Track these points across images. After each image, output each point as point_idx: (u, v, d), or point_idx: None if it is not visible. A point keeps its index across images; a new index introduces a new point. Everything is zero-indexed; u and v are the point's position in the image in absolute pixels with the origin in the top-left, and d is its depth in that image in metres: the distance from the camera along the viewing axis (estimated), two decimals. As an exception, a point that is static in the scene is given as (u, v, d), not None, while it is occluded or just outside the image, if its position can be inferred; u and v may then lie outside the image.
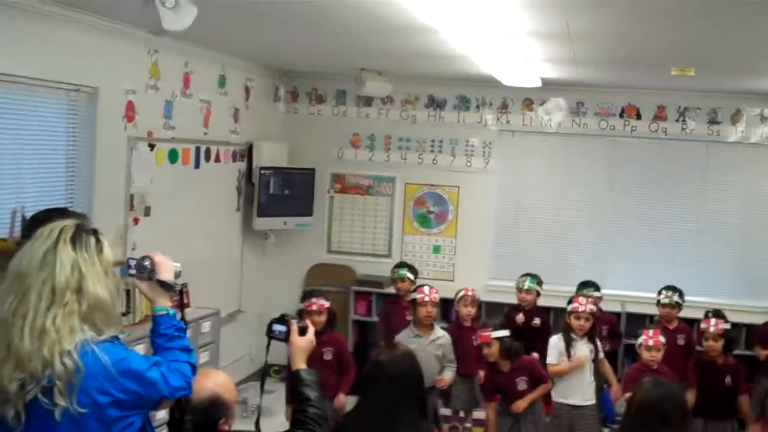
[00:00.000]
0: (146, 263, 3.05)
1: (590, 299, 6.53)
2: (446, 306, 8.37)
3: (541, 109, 9.17)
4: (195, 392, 3.04)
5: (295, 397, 3.10)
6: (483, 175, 9.31)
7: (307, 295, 6.20)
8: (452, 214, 9.45)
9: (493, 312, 7.99)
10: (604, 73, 7.72)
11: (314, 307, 6.07)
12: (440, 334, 6.41)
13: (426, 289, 6.50)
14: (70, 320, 2.71)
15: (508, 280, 8.76)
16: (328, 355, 6.11)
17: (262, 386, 3.52)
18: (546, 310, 7.86)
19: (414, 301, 6.45)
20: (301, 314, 5.96)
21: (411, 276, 7.72)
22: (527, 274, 7.86)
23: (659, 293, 7.51)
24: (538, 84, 8.26)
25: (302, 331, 3.27)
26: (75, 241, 2.82)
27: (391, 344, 4.16)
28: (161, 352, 2.97)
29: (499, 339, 6.01)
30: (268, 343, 3.27)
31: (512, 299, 8.04)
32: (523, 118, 9.25)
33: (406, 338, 6.23)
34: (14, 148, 5.52)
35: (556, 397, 6.31)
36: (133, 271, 3.06)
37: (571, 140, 9.17)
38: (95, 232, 2.89)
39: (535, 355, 6.63)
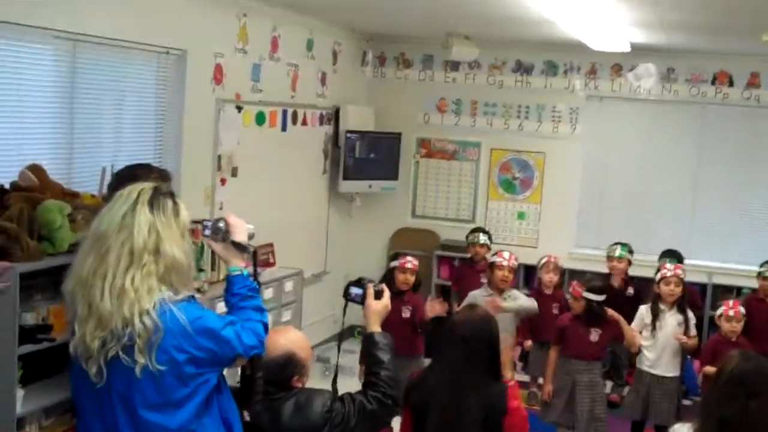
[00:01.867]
0: (221, 225, 3.06)
1: (678, 266, 6.45)
2: (530, 273, 8.42)
3: (630, 75, 8.98)
4: (269, 349, 3.07)
5: (368, 359, 3.15)
6: (569, 141, 9.18)
7: (400, 254, 6.29)
8: (537, 181, 9.36)
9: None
10: (694, 38, 7.57)
11: (408, 265, 6.11)
12: (513, 292, 6.39)
13: (506, 254, 6.48)
14: (148, 281, 2.74)
15: (592, 248, 8.90)
16: (406, 313, 6.13)
17: (339, 346, 3.53)
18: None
19: (492, 264, 6.43)
20: (392, 272, 6.03)
21: (487, 241, 7.72)
22: (618, 243, 7.71)
23: (761, 266, 7.36)
24: (627, 49, 8.13)
25: (378, 295, 3.29)
26: (153, 203, 2.84)
27: (471, 306, 4.09)
28: (235, 311, 2.99)
29: (588, 300, 5.96)
30: (345, 305, 3.31)
31: (596, 267, 7.97)
32: (611, 84, 9.11)
33: (479, 295, 6.24)
34: (110, 109, 5.64)
35: (640, 364, 6.28)
36: (207, 232, 3.09)
37: (661, 107, 8.99)
38: (172, 195, 2.92)
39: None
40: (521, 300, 6.31)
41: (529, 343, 7.20)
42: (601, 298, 5.92)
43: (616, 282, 7.35)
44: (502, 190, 9.44)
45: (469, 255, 7.87)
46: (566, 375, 6.04)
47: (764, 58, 8.63)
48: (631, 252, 7.65)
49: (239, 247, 3.07)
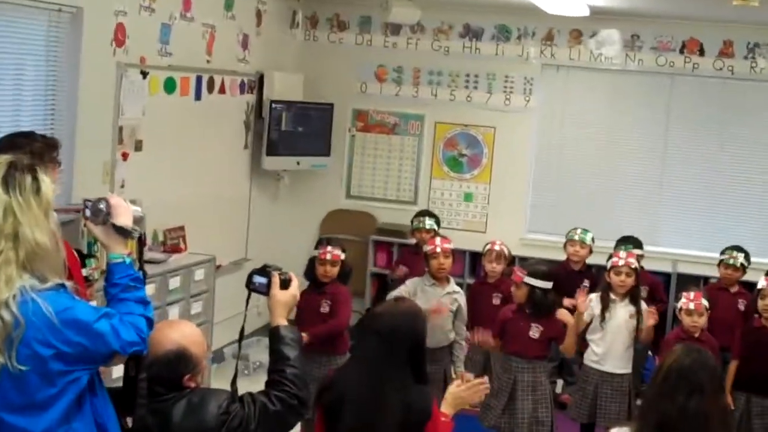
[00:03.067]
0: (101, 206, 3.05)
1: (632, 254, 6.50)
2: (477, 260, 8.31)
3: (591, 42, 9.12)
4: (159, 344, 3.10)
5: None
6: (523, 114, 9.27)
7: (322, 242, 6.18)
8: (487, 158, 9.41)
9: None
10: (661, 2, 7.66)
11: (328, 257, 6.04)
12: (456, 289, 6.40)
13: (438, 239, 6.47)
14: (6, 270, 2.71)
15: (547, 233, 8.96)
16: (324, 308, 6.10)
17: (240, 341, 3.47)
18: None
19: (426, 254, 6.43)
20: (313, 262, 6.01)
21: (434, 225, 7.70)
22: (578, 228, 7.74)
23: (722, 253, 7.46)
24: (587, 13, 8.21)
25: (284, 284, 3.30)
26: (7, 181, 2.79)
27: (397, 298, 4.25)
28: (114, 303, 2.97)
29: (530, 287, 5.96)
30: (248, 296, 3.33)
31: (552, 254, 7.99)
32: (570, 52, 9.22)
33: (421, 284, 6.27)
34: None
35: (587, 360, 6.34)
36: (88, 214, 3.07)
37: (624, 77, 9.12)
38: (32, 170, 2.84)
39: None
40: (460, 321, 6.40)
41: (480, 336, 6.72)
42: (546, 285, 5.93)
43: (577, 268, 7.47)
44: (448, 168, 9.49)
45: (413, 241, 7.87)
46: (506, 374, 6.09)
47: (738, 26, 8.72)
48: (592, 239, 7.70)
49: (121, 232, 3.06)
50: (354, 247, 8.28)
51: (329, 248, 6.05)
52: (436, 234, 7.12)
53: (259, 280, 3.30)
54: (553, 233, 8.82)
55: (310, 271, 6.00)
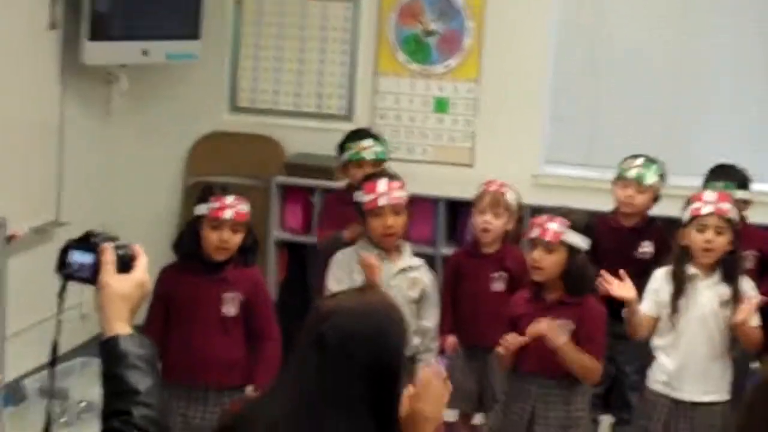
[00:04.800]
0: None
1: (726, 196, 6.11)
2: (459, 214, 8.02)
3: None
4: None
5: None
6: (533, -39, 8.75)
7: (210, 190, 5.84)
8: (472, 37, 8.49)
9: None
10: None
11: (227, 214, 5.69)
12: (415, 262, 6.21)
13: (381, 182, 6.15)
14: None
15: (577, 166, 8.45)
16: (230, 308, 5.75)
17: (52, 365, 3.29)
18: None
19: (360, 207, 6.17)
20: (195, 228, 5.70)
21: (380, 154, 7.27)
22: (639, 155, 7.09)
23: None
24: None
25: (124, 264, 3.07)
26: None
27: (364, 287, 4.38)
28: None
29: (569, 248, 5.69)
30: (62, 287, 3.08)
31: (587, 202, 7.27)
32: None
33: (355, 257, 6.10)
34: None
35: (651, 382, 6.04)
36: None
37: None
38: None
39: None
40: (429, 306, 6.21)
41: (451, 340, 6.62)
42: (586, 244, 5.79)
43: (629, 223, 7.04)
44: (405, 55, 8.67)
45: (345, 182, 7.42)
46: (520, 403, 5.83)
47: None
48: (662, 176, 7.01)
49: None
50: (246, 196, 7.58)
51: (229, 200, 5.78)
52: (381, 173, 6.64)
53: (78, 258, 3.08)
54: (588, 166, 8.27)
55: (190, 242, 5.68)
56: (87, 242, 3.12)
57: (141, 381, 2.96)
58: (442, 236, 8.07)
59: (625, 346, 6.57)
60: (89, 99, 8.43)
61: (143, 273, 3.13)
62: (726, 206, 5.94)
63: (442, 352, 6.72)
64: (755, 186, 7.26)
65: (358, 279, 5.82)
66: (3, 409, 6.54)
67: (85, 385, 7.18)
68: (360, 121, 8.44)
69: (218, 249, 5.70)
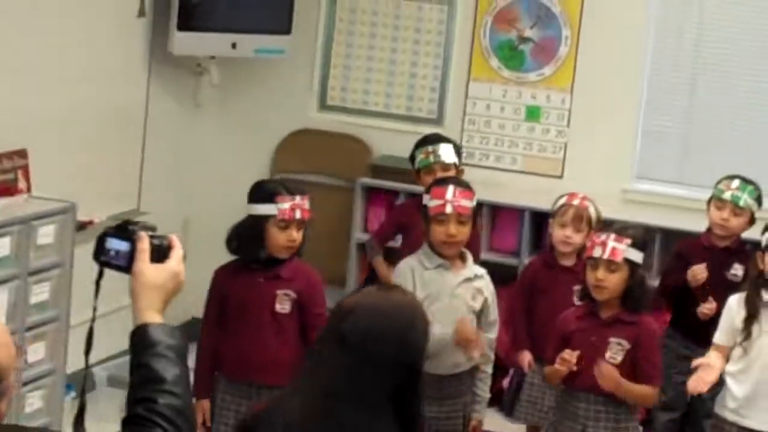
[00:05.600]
0: None
1: None
2: (544, 225, 7.66)
3: None
4: None
5: (137, 373, 3.00)
6: (633, -29, 8.63)
7: (276, 189, 5.81)
8: (568, 46, 8.44)
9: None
10: None
11: (296, 214, 5.71)
12: (478, 272, 6.15)
13: (449, 188, 6.03)
14: None
15: (670, 183, 8.34)
16: (284, 304, 5.78)
17: (86, 353, 3.21)
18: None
19: (426, 212, 6.10)
20: (258, 224, 5.68)
21: (454, 158, 7.19)
22: (738, 177, 7.00)
23: None
24: None
25: (160, 254, 3.11)
26: None
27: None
28: None
29: (630, 266, 5.67)
30: (99, 273, 3.15)
31: (677, 221, 7.62)
32: None
33: (417, 267, 6.04)
34: None
35: (720, 408, 5.99)
36: None
37: None
38: None
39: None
40: (489, 310, 6.17)
41: (526, 357, 6.63)
42: (640, 257, 5.79)
43: (723, 244, 7.00)
44: (499, 61, 8.59)
45: (422, 188, 7.11)
46: (570, 422, 5.85)
47: None
48: (759, 199, 6.95)
49: None
50: (330, 195, 8.06)
51: (297, 199, 5.79)
52: (450, 179, 6.64)
53: (115, 246, 3.15)
54: (682, 183, 8.17)
55: (253, 240, 5.67)
56: (124, 230, 3.13)
57: (168, 370, 2.97)
58: (527, 247, 7.98)
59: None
60: (177, 89, 8.49)
61: (178, 264, 3.15)
62: None
63: (517, 368, 6.81)
64: None
65: (420, 289, 5.80)
66: (66, 397, 6.65)
67: None
68: (450, 126, 8.41)
69: (283, 247, 5.71)
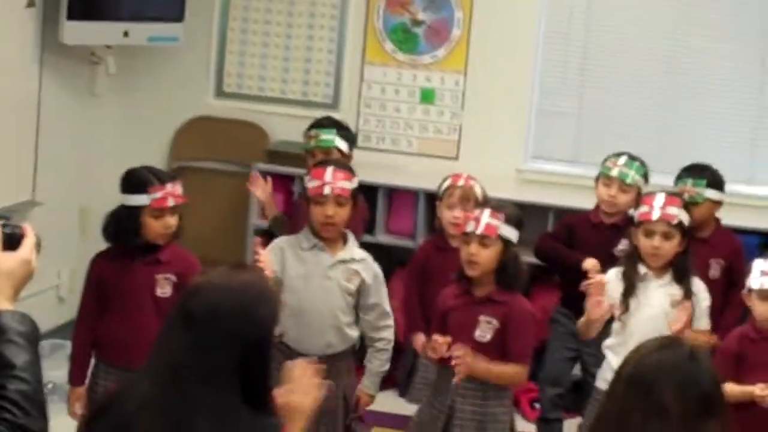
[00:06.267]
0: None
1: (676, 200, 6.16)
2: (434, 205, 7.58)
3: None
4: None
5: None
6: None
7: (144, 179, 5.78)
8: (461, 28, 8.57)
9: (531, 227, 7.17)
10: None
11: (169, 202, 5.67)
12: (357, 255, 6.11)
13: (329, 171, 6.03)
14: None
15: (564, 162, 8.51)
16: (165, 288, 5.75)
17: None
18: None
19: (305, 193, 6.18)
20: (134, 213, 5.67)
21: (341, 143, 7.20)
22: (625, 154, 7.05)
23: None
24: None
25: (11, 242, 3.11)
26: None
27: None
28: None
29: (504, 242, 5.72)
30: None
31: (571, 199, 7.68)
32: None
33: (290, 247, 6.03)
34: None
35: (600, 381, 6.05)
36: None
37: None
38: None
39: None
40: (376, 305, 6.10)
41: (420, 339, 6.61)
42: (514, 234, 5.85)
43: (609, 221, 7.06)
44: (393, 44, 8.72)
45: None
46: (440, 397, 5.84)
47: None
48: (646, 175, 7.00)
49: None
50: (227, 182, 8.23)
51: (168, 187, 5.75)
52: (333, 161, 6.65)
53: None
54: (576, 162, 8.32)
55: (129, 230, 5.63)
56: None
57: (18, 356, 2.96)
58: (423, 229, 8.01)
59: (592, 348, 6.59)
60: (71, 79, 8.40)
61: (29, 252, 3.13)
62: (673, 211, 5.97)
63: (413, 350, 6.81)
64: (739, 188, 7.42)
65: (294, 268, 5.85)
66: None
67: (53, 368, 6.81)
68: (346, 110, 8.46)
69: (158, 233, 5.70)
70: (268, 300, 3.63)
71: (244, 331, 3.46)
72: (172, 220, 5.67)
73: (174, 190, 5.68)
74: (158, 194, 5.62)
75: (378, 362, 6.09)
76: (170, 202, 5.63)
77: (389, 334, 6.10)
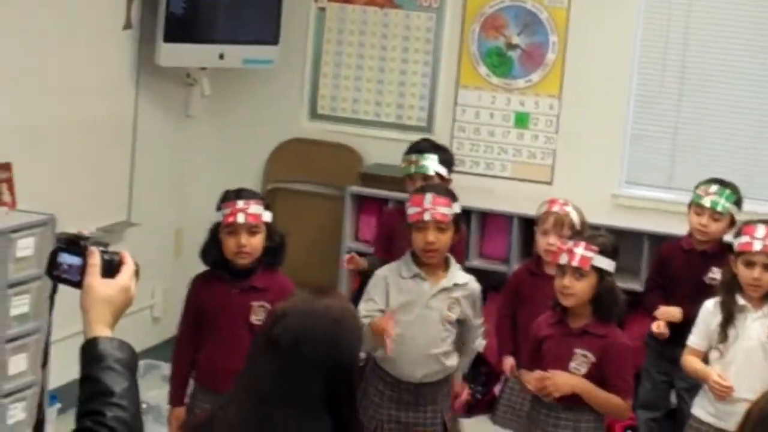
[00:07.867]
0: None
1: None
2: (533, 230, 7.39)
3: None
4: None
5: (85, 386, 3.00)
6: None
7: (224, 197, 5.80)
8: (555, 52, 8.56)
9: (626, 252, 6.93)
10: None
11: (239, 218, 5.61)
12: (462, 279, 6.08)
13: (428, 196, 5.99)
14: None
15: (658, 188, 8.42)
16: (260, 315, 5.65)
17: (44, 367, 3.69)
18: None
19: (407, 221, 6.12)
20: (215, 231, 5.72)
21: (440, 167, 7.15)
22: (716, 181, 6.99)
23: None
24: None
25: (110, 269, 3.12)
26: None
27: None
28: None
29: (599, 274, 5.64)
30: (53, 289, 3.16)
31: (666, 225, 7.63)
32: None
33: (392, 275, 6.03)
34: None
35: (698, 410, 6.02)
36: None
37: None
38: None
39: None
40: (474, 318, 6.11)
41: (509, 362, 6.69)
42: (609, 265, 5.74)
43: (701, 248, 6.97)
44: (487, 68, 8.69)
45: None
46: (535, 429, 5.84)
47: None
48: (738, 202, 6.94)
49: None
50: (321, 204, 8.27)
51: (240, 204, 5.74)
52: (433, 185, 6.68)
53: (67, 260, 3.16)
54: (671, 188, 8.25)
55: (211, 248, 5.69)
56: (76, 245, 3.14)
57: (117, 383, 3.00)
58: (517, 254, 7.99)
59: (684, 373, 6.48)
60: (167, 100, 8.50)
61: (128, 279, 3.17)
62: None
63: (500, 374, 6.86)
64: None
65: (395, 298, 5.85)
66: (49, 407, 6.72)
67: (147, 388, 7.06)
68: (439, 134, 8.45)
69: (238, 255, 5.69)
70: (352, 324, 3.65)
71: (328, 356, 3.49)
72: (246, 240, 5.62)
73: (246, 207, 5.65)
74: (227, 210, 5.64)
75: (467, 359, 6.14)
76: (240, 219, 5.58)
77: (480, 343, 6.15)
